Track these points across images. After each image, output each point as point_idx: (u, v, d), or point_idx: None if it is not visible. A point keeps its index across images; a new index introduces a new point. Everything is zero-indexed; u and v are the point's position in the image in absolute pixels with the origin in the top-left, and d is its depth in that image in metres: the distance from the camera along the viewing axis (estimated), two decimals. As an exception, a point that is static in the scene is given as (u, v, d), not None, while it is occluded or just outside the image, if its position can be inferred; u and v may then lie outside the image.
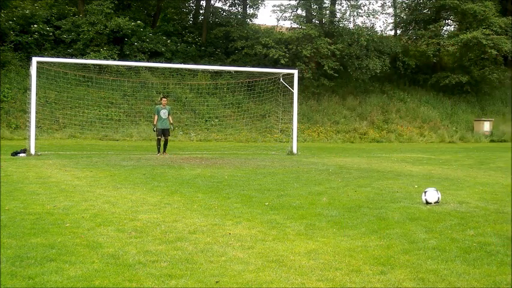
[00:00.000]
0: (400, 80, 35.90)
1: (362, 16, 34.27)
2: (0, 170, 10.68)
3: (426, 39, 34.40)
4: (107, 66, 25.01)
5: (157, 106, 17.11)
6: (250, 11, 35.72)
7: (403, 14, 37.97)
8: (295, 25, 33.08)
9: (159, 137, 16.43)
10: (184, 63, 28.71)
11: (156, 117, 16.80)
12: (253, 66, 27.47)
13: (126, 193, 8.20)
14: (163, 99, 16.96)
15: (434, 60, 35.71)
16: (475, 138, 30.84)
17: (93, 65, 23.78)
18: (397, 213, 6.71)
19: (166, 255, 4.66)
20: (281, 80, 19.45)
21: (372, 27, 34.02)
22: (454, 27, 38.74)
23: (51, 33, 28.43)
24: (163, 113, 16.51)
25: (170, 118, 16.85)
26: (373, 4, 71.41)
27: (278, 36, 32.09)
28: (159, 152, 16.25)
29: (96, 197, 7.73)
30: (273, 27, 35.57)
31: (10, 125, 23.74)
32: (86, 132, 23.46)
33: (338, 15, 34.32)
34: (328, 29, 32.52)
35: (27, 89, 20.22)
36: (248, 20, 34.91)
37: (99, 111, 25.08)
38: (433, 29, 34.38)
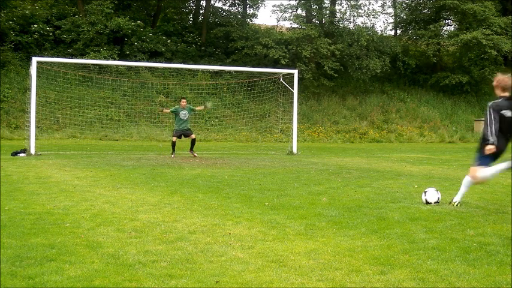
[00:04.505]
0: (400, 80, 35.91)
1: (362, 16, 34.30)
2: (0, 170, 10.68)
3: (426, 39, 34.42)
4: (107, 66, 25.01)
5: (176, 107, 16.18)
6: (250, 11, 35.75)
7: (403, 14, 37.97)
8: (295, 25, 33.08)
9: (174, 139, 15.67)
10: (184, 63, 28.71)
11: (167, 110, 16.51)
12: (253, 66, 27.48)
13: (126, 193, 8.20)
14: (183, 99, 15.92)
15: (434, 60, 35.73)
16: (475, 138, 30.83)
17: (93, 65, 23.78)
18: (397, 213, 6.71)
19: (166, 255, 4.66)
20: (281, 80, 19.45)
21: (372, 27, 34.03)
22: (454, 27, 38.75)
23: (51, 33, 28.45)
24: (183, 114, 15.63)
25: (197, 108, 17.59)
26: (373, 4, 71.44)
27: (278, 36, 32.11)
28: (173, 152, 15.56)
29: (96, 197, 7.72)
30: (273, 27, 35.58)
31: (10, 125, 23.74)
32: (86, 132, 23.46)
33: (338, 15, 34.34)
34: (328, 29, 32.52)
35: (27, 89, 20.23)
36: (248, 20, 34.93)
37: (99, 111, 25.09)
38: (433, 29, 34.38)
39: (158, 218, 6.25)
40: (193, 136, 15.91)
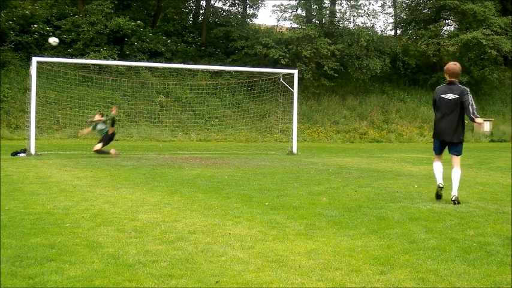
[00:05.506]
0: (400, 80, 35.91)
1: (362, 16, 34.32)
2: (0, 170, 10.68)
3: (426, 39, 34.42)
4: (107, 66, 25.00)
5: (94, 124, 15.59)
6: (250, 11, 35.77)
7: (403, 14, 37.99)
8: (295, 25, 33.10)
9: (112, 151, 15.17)
10: (184, 63, 28.72)
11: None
12: (253, 66, 27.49)
13: (126, 193, 8.20)
14: (98, 114, 15.73)
15: (434, 60, 35.74)
16: (475, 138, 30.83)
17: (93, 65, 23.78)
18: (397, 213, 6.72)
19: (166, 255, 4.66)
20: (281, 80, 19.45)
21: (372, 27, 34.05)
22: (454, 27, 38.77)
23: (51, 33, 28.43)
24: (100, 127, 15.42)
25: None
26: (373, 4, 71.55)
27: (278, 36, 32.13)
28: (108, 152, 15.12)
29: (96, 197, 7.72)
30: (273, 27, 35.58)
31: (10, 125, 23.74)
32: (86, 132, 23.43)
33: (338, 15, 34.36)
34: (328, 29, 32.53)
35: (27, 89, 20.22)
36: (248, 20, 34.94)
37: (99, 111, 25.07)
38: (433, 29, 34.40)
39: (158, 218, 6.24)
40: (110, 131, 15.32)
